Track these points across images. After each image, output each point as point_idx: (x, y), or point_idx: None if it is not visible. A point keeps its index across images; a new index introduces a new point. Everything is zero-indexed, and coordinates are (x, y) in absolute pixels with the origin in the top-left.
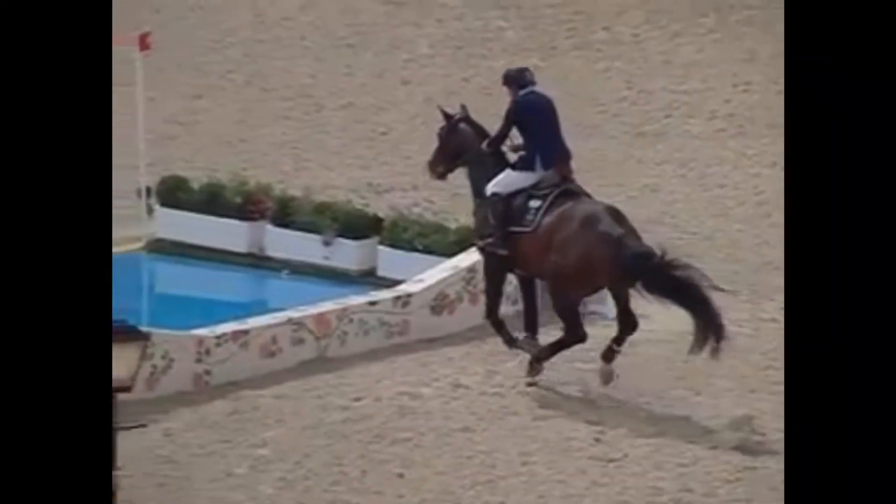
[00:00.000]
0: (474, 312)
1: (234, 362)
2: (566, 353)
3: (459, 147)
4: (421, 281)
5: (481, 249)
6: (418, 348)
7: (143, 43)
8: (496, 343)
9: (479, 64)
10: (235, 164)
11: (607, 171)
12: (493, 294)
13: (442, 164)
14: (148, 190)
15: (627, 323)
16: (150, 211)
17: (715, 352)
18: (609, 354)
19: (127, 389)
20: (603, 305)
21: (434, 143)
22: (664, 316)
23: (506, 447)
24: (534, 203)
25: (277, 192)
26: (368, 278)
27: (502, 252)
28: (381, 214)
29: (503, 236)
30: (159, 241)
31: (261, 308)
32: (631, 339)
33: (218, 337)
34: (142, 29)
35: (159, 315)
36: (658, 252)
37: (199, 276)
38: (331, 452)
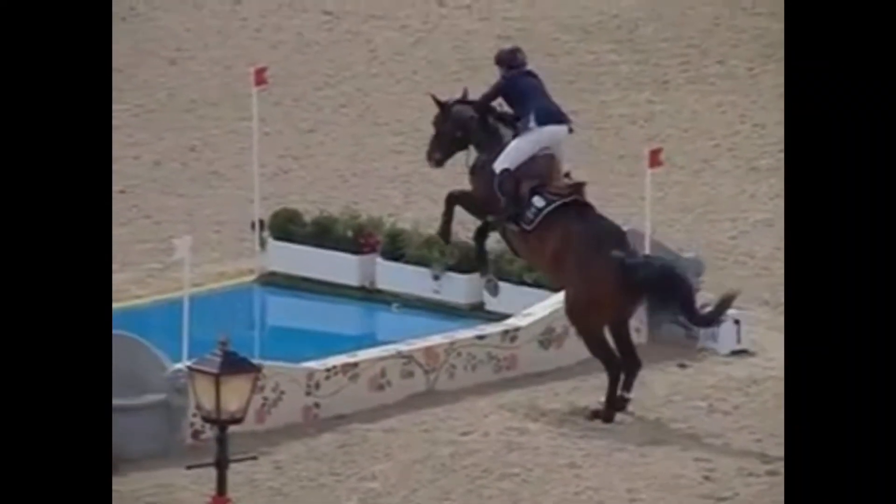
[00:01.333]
0: (582, 347)
1: (343, 395)
2: (676, 388)
3: (456, 129)
4: (529, 315)
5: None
6: (526, 383)
7: (259, 78)
8: (604, 378)
9: (591, 98)
10: (347, 198)
11: (720, 206)
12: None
13: (439, 150)
14: (261, 223)
15: (633, 363)
16: (263, 244)
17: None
18: (620, 404)
19: (238, 421)
20: (714, 341)
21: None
22: (780, 353)
23: (613, 483)
24: (538, 201)
25: (388, 226)
26: (477, 312)
27: (513, 228)
28: (489, 248)
29: (518, 213)
30: (272, 273)
31: (370, 341)
32: (746, 375)
33: (328, 370)
34: (258, 65)
35: (270, 347)
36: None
37: (310, 309)
38: (439, 487)
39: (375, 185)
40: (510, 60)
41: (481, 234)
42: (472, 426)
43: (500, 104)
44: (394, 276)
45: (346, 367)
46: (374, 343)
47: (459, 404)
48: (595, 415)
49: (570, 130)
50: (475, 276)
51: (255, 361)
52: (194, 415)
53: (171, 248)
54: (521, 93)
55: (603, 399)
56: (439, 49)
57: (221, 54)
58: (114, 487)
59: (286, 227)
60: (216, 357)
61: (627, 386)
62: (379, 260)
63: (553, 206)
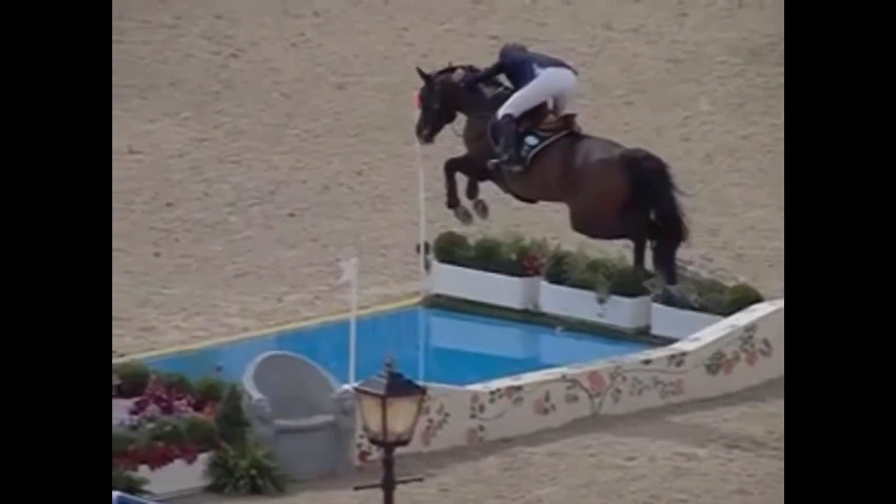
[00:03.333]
0: (752, 372)
1: (507, 418)
2: None
3: (444, 99)
4: (697, 339)
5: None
6: (693, 408)
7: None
8: (776, 404)
9: (761, 121)
10: (511, 221)
11: None
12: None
13: (427, 126)
14: (427, 246)
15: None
16: (428, 267)
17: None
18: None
19: (404, 443)
20: None
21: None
22: None
23: None
24: (530, 140)
25: (552, 249)
26: (643, 336)
27: (515, 168)
28: (654, 272)
29: (517, 154)
30: (437, 296)
31: (534, 364)
32: None
33: (492, 392)
34: (419, 87)
35: (435, 369)
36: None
37: (475, 332)
38: None
39: (539, 207)
40: (511, 49)
41: (452, 170)
42: (638, 451)
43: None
44: (558, 299)
45: (511, 391)
46: (538, 366)
47: (625, 429)
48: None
49: (575, 73)
50: (641, 300)
51: (421, 383)
52: (361, 436)
53: (339, 270)
54: (520, 59)
55: None
56: (606, 72)
57: (388, 79)
58: None
59: (451, 250)
60: (382, 379)
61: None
62: (543, 283)
63: (547, 141)
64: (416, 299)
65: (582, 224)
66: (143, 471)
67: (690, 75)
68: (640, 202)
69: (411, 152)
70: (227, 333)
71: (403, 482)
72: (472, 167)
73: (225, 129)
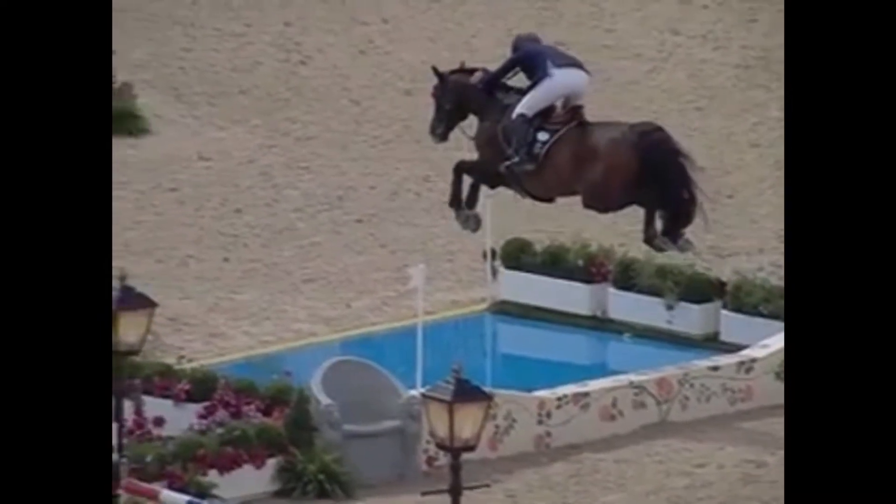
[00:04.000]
0: None
1: (574, 424)
2: None
3: (458, 99)
4: (766, 346)
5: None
6: (762, 415)
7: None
8: None
9: None
10: (578, 227)
11: None
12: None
13: (441, 124)
14: (493, 252)
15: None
16: (494, 273)
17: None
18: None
19: (471, 448)
20: None
21: None
22: None
23: None
24: (542, 136)
25: (619, 255)
26: (711, 343)
27: (529, 167)
28: (724, 278)
29: (529, 153)
30: (503, 302)
31: (602, 371)
32: None
33: (559, 399)
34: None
35: (502, 375)
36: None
37: (541, 338)
38: None
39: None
40: (525, 39)
41: (461, 172)
42: (706, 458)
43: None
44: (626, 306)
45: (578, 397)
46: (606, 373)
47: (693, 436)
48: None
49: (588, 73)
50: (709, 306)
51: (487, 389)
52: (428, 442)
53: (406, 276)
54: (535, 52)
55: None
56: (674, 78)
57: None
58: None
59: (518, 256)
60: (449, 385)
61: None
62: (610, 289)
63: (557, 135)
64: (483, 305)
65: (592, 198)
66: (212, 475)
67: (760, 81)
68: (649, 174)
69: None
70: (296, 339)
71: (470, 488)
72: (483, 171)
73: (294, 136)
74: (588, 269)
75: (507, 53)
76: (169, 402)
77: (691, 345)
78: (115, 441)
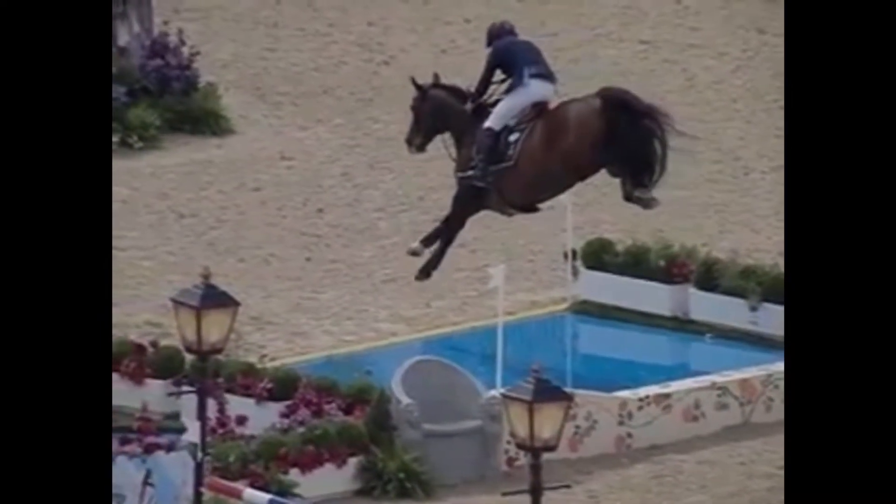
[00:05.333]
0: None
1: (656, 426)
2: None
3: (436, 113)
4: None
5: (460, 182)
6: None
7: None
8: None
9: None
10: (659, 227)
11: None
12: (454, 226)
13: (419, 135)
14: (574, 252)
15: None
16: (575, 273)
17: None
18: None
19: (551, 449)
20: None
21: None
22: None
23: None
24: (513, 137)
25: (702, 256)
26: None
27: (480, 184)
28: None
29: (486, 168)
30: (584, 302)
31: (683, 372)
32: None
33: (640, 399)
34: (573, 95)
35: (582, 375)
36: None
37: (622, 338)
38: None
39: (689, 213)
40: (499, 32)
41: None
42: None
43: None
44: (708, 307)
45: (660, 398)
46: (687, 374)
47: (776, 437)
48: None
49: (556, 85)
50: None
51: (568, 390)
52: (508, 441)
53: (487, 276)
54: (513, 54)
55: None
56: (759, 76)
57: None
58: None
59: (598, 256)
60: (529, 385)
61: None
62: (692, 290)
63: (526, 131)
64: (564, 305)
65: (568, 167)
66: (294, 474)
67: None
68: (615, 134)
69: None
70: (376, 338)
71: (551, 488)
72: (468, 199)
73: (376, 136)
74: (669, 269)
75: (590, 52)
76: (251, 401)
77: (775, 346)
78: (198, 439)
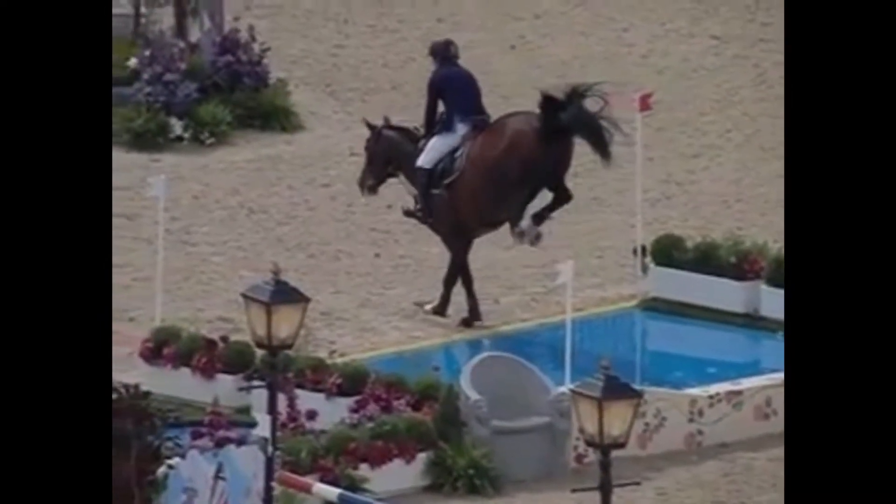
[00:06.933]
0: None
1: (727, 423)
2: None
3: (388, 154)
4: None
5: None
6: None
7: (644, 104)
8: None
9: None
10: (730, 223)
11: None
12: (458, 262)
13: (371, 176)
14: (643, 249)
15: (561, 196)
16: (644, 269)
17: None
18: (539, 218)
19: (621, 446)
20: None
21: None
22: None
23: None
24: (457, 154)
25: (774, 252)
26: None
27: (428, 220)
28: None
29: (427, 204)
30: (654, 299)
31: (754, 369)
32: None
33: (711, 397)
34: (643, 90)
35: (652, 372)
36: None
37: (693, 335)
38: None
39: (761, 210)
40: (443, 52)
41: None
42: None
43: None
44: (779, 303)
45: (730, 395)
46: (759, 371)
47: None
48: None
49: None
50: None
51: (637, 386)
52: (577, 438)
53: (555, 272)
54: (448, 91)
55: None
56: None
57: (606, 81)
58: None
59: (668, 252)
60: (598, 381)
61: (550, 209)
62: (763, 286)
63: (468, 143)
64: (633, 302)
65: (495, 172)
66: (364, 469)
67: None
68: (546, 154)
69: (628, 153)
70: (444, 334)
71: (620, 485)
72: (453, 235)
73: None
74: (740, 265)
75: (661, 48)
76: (321, 396)
77: None
78: (269, 434)
